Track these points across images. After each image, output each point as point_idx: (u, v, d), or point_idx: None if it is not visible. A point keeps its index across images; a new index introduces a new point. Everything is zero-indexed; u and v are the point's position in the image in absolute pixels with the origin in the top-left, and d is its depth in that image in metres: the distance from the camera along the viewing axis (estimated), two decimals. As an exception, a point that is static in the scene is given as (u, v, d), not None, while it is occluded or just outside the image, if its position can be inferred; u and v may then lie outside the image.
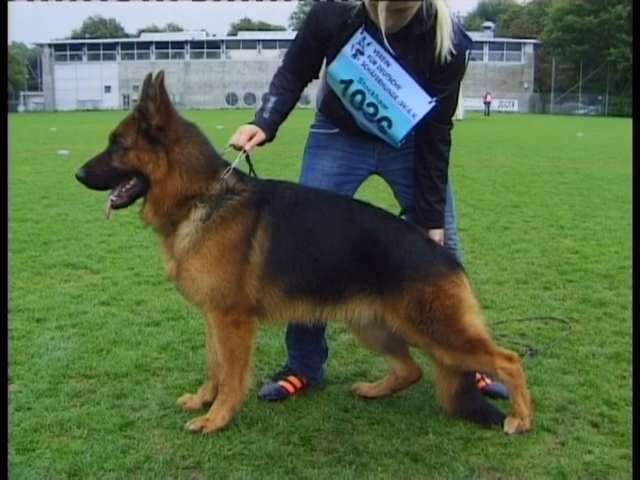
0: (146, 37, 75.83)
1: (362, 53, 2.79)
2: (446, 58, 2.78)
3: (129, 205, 2.79)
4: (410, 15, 2.72)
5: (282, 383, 3.18)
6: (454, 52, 2.78)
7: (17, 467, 2.46)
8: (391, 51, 2.76)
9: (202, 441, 2.69)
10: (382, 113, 2.84)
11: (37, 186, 9.95)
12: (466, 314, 2.79)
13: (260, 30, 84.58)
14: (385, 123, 2.86)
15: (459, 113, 21.63)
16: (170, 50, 70.87)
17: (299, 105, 3.12)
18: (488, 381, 3.22)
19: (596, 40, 58.37)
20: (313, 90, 3.21)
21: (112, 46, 72.08)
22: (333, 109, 3.05)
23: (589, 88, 60.62)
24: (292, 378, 3.21)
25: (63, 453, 2.58)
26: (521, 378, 2.83)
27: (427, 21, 2.72)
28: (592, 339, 3.90)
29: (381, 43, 2.76)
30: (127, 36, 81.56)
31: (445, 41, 2.75)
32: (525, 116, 53.18)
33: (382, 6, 2.63)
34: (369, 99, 2.83)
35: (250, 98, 65.93)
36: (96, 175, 2.73)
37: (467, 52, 2.87)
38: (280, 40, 64.80)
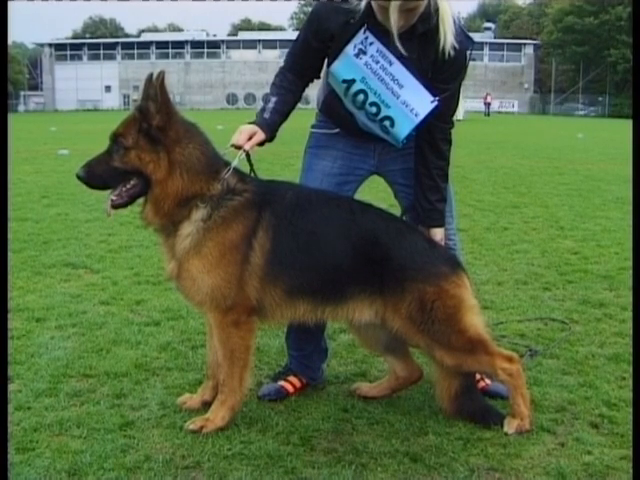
0: (146, 37, 75.85)
1: (365, 52, 2.79)
2: (449, 54, 2.77)
3: (129, 205, 2.79)
4: (418, 13, 2.72)
5: (282, 383, 3.18)
6: (457, 47, 2.78)
7: (17, 467, 2.46)
8: (403, 52, 2.74)
9: (202, 441, 2.69)
10: (384, 112, 2.84)
11: (37, 186, 9.94)
12: (467, 314, 2.79)
13: (260, 30, 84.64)
14: (387, 122, 2.85)
15: (459, 113, 21.60)
16: (170, 50, 70.90)
17: (299, 105, 3.12)
18: (488, 381, 3.22)
19: (596, 41, 58.44)
20: (313, 90, 3.21)
21: (112, 46, 72.09)
22: (334, 109, 3.04)
23: (589, 89, 60.67)
24: (292, 378, 3.21)
25: (63, 452, 2.58)
26: (521, 379, 2.84)
27: (431, 19, 2.73)
28: (592, 340, 3.90)
29: (384, 43, 2.75)
30: (127, 36, 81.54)
31: (448, 36, 2.75)
32: (525, 117, 53.21)
33: (394, 7, 2.62)
34: (371, 98, 2.82)
35: (250, 98, 65.97)
36: (96, 175, 2.73)
37: (468, 52, 2.87)
38: (280, 40, 64.90)
